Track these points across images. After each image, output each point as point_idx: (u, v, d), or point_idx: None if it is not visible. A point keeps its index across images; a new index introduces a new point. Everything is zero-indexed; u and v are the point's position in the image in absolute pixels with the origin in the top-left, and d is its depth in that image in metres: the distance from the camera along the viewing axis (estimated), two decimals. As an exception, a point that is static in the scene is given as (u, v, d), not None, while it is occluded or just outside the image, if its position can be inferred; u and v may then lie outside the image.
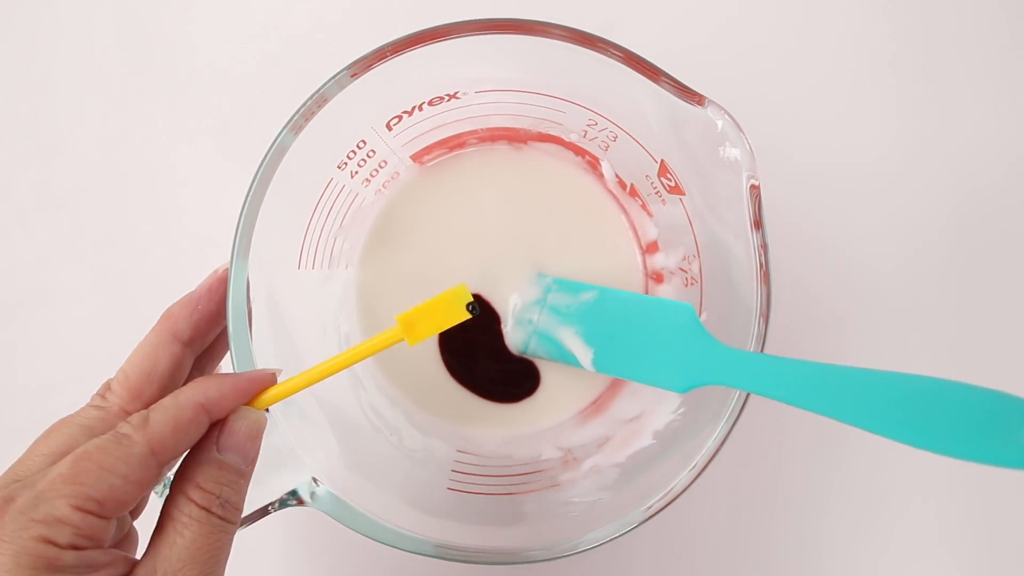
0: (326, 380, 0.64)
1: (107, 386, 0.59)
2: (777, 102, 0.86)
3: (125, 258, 0.86)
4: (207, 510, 0.54)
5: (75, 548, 0.49)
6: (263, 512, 0.60)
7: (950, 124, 0.86)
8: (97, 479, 0.50)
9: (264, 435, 0.59)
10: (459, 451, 0.75)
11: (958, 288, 0.85)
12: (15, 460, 0.54)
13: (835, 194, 0.85)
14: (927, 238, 0.85)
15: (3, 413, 0.85)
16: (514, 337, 0.77)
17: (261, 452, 0.58)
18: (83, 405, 0.59)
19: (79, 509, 0.49)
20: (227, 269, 0.63)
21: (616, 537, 0.62)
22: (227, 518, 0.55)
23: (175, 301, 0.63)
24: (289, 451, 0.61)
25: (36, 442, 0.55)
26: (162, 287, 0.84)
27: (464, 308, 0.62)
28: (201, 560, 0.53)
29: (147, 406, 0.55)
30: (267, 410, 0.59)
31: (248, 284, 0.62)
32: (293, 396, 0.62)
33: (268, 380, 0.59)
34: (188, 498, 0.54)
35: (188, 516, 0.53)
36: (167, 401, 0.55)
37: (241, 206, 0.62)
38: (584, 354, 0.72)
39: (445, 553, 0.62)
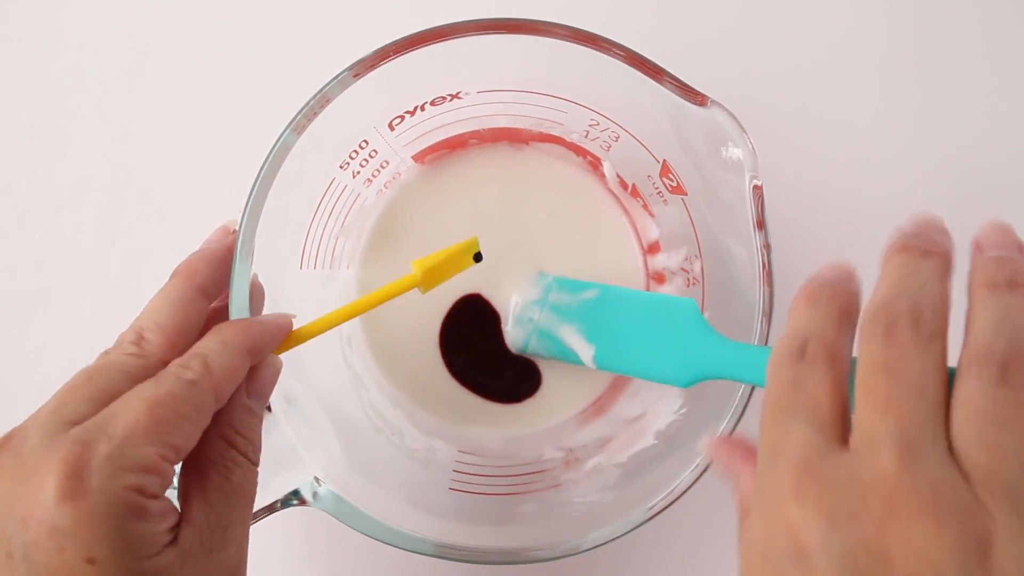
0: (327, 380, 0.64)
1: (138, 335, 0.57)
2: (780, 102, 0.86)
3: (125, 258, 0.86)
4: (245, 455, 0.55)
5: (156, 497, 0.49)
6: (269, 510, 0.60)
7: (955, 124, 0.86)
8: (175, 426, 0.50)
9: (266, 435, 0.59)
10: (461, 451, 0.75)
11: (960, 284, 0.85)
12: (51, 402, 0.53)
13: (838, 193, 0.85)
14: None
15: (3, 413, 0.84)
16: (514, 336, 0.77)
17: (264, 452, 0.59)
18: (106, 350, 0.58)
19: (163, 458, 0.49)
20: (236, 223, 0.64)
21: (618, 537, 0.62)
22: (256, 462, 0.57)
23: (193, 255, 0.64)
24: (291, 451, 0.61)
25: (74, 385, 0.54)
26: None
27: (471, 257, 0.65)
28: (246, 501, 0.56)
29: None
30: (269, 407, 0.59)
31: (254, 278, 0.62)
32: (295, 396, 0.62)
33: (289, 326, 0.61)
34: (229, 443, 0.55)
35: (232, 461, 0.55)
36: (215, 346, 0.55)
37: (243, 206, 0.62)
38: (585, 351, 0.72)
39: (447, 553, 0.62)
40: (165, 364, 0.55)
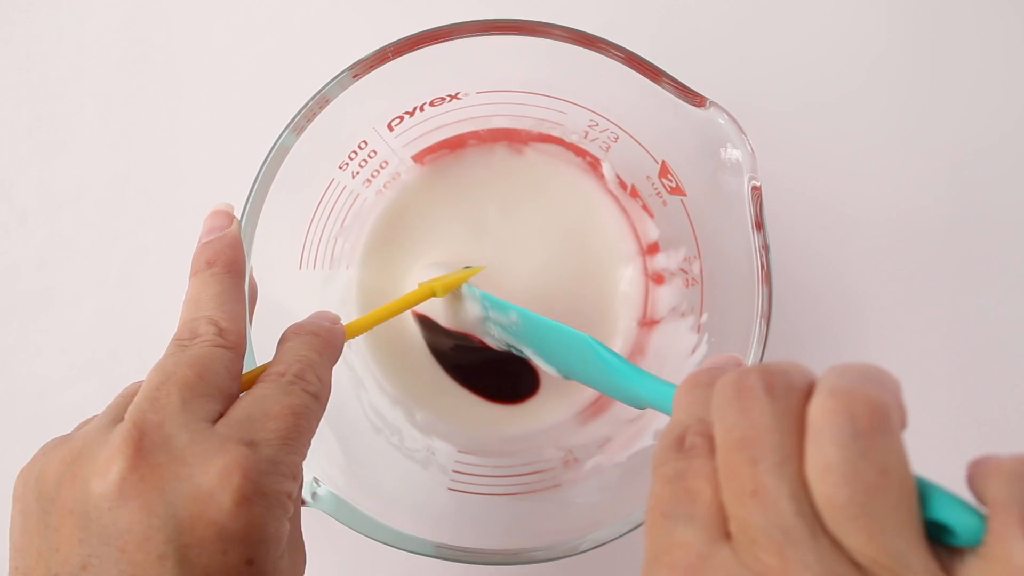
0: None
1: (217, 326, 0.56)
2: (779, 103, 0.86)
3: (125, 258, 0.86)
4: None
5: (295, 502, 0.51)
6: None
7: (953, 125, 0.86)
8: (307, 437, 0.52)
9: None
10: (460, 452, 0.75)
11: (958, 287, 0.85)
12: (168, 396, 0.50)
13: (837, 194, 0.85)
14: (928, 238, 0.85)
15: (3, 413, 0.84)
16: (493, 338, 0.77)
17: None
18: (179, 340, 0.56)
19: (301, 468, 0.51)
20: (230, 205, 0.63)
21: (618, 537, 0.62)
22: None
23: (214, 241, 0.61)
24: (291, 451, 0.61)
25: (186, 379, 0.51)
26: (162, 287, 0.84)
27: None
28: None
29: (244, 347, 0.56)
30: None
31: (250, 273, 0.62)
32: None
33: (344, 333, 0.61)
34: None
35: None
36: (316, 358, 0.56)
37: (243, 207, 0.62)
38: (548, 368, 0.71)
39: (446, 553, 0.62)
40: (242, 354, 0.55)
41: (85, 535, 0.46)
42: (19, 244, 0.86)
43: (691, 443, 0.44)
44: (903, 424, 0.39)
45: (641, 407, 0.60)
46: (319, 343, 0.57)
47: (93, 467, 0.47)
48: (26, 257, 0.86)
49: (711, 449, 0.43)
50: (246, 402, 0.51)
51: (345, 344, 0.74)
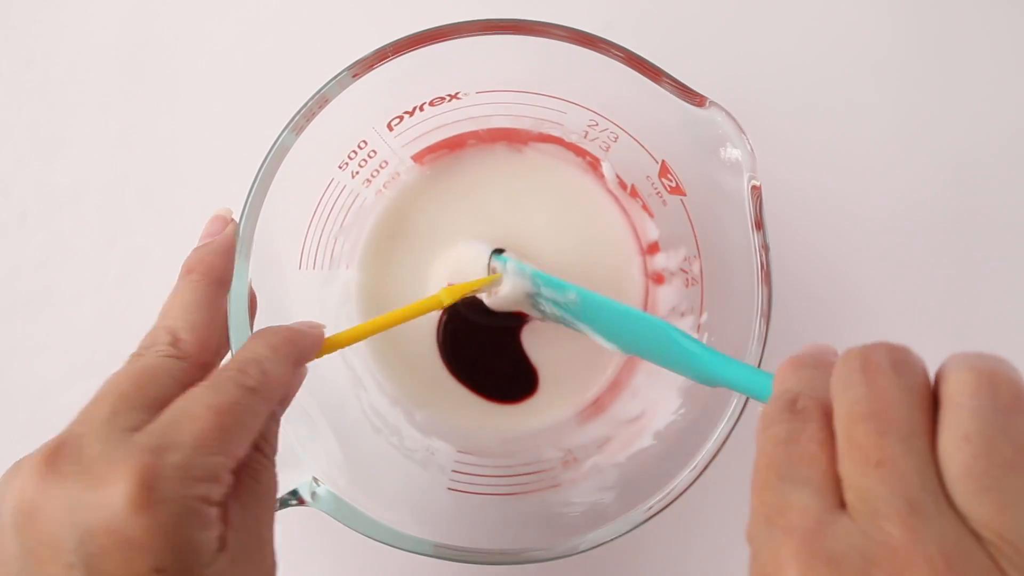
0: (326, 381, 0.64)
1: (173, 335, 0.57)
2: (778, 102, 0.86)
3: (125, 258, 0.86)
4: (269, 458, 0.55)
5: (218, 506, 0.49)
6: None
7: (954, 124, 0.86)
8: (238, 435, 0.51)
9: None
10: (460, 451, 0.75)
11: (960, 285, 0.85)
12: (98, 407, 0.52)
13: (837, 194, 0.85)
14: (929, 237, 0.85)
15: (3, 413, 0.84)
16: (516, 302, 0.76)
17: None
18: (138, 351, 0.58)
19: (226, 467, 0.50)
20: (230, 210, 0.64)
21: (616, 537, 0.62)
22: (275, 463, 0.56)
23: (202, 248, 0.63)
24: (290, 451, 0.61)
25: (123, 391, 0.53)
26: (162, 287, 0.84)
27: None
28: (272, 502, 0.56)
29: (217, 356, 0.57)
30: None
31: (249, 284, 0.62)
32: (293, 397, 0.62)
33: (323, 336, 0.61)
34: (257, 447, 0.54)
35: (260, 464, 0.54)
36: (267, 353, 0.55)
37: (242, 206, 0.62)
38: (606, 344, 0.71)
39: (445, 553, 0.62)
40: (203, 365, 0.56)
41: (9, 550, 0.47)
42: (19, 244, 0.86)
43: (803, 406, 0.44)
44: None
45: (713, 386, 0.60)
46: (276, 339, 0.57)
47: (13, 483, 0.48)
48: (26, 257, 0.86)
49: (824, 416, 0.43)
50: (173, 406, 0.51)
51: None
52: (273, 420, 0.56)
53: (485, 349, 0.79)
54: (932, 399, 0.41)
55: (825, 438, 0.42)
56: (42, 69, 0.88)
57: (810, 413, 0.44)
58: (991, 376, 0.40)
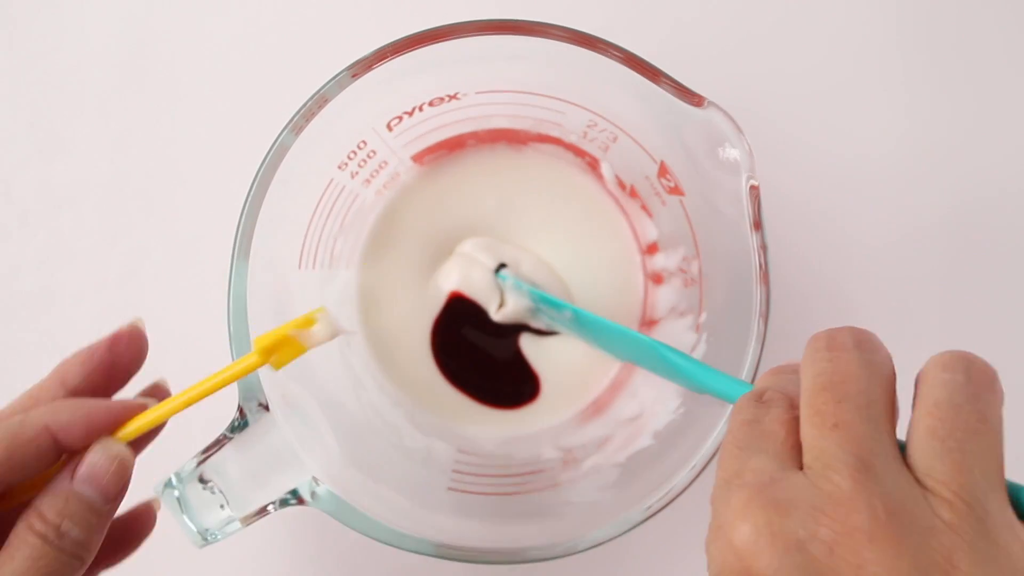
0: (326, 380, 0.64)
1: None
2: (777, 102, 0.86)
3: (125, 258, 0.86)
4: (43, 538, 0.51)
5: None
6: (263, 511, 0.60)
7: (954, 124, 0.86)
8: None
9: (265, 435, 0.59)
10: (460, 451, 0.75)
11: (960, 285, 0.85)
12: None
13: (835, 194, 0.85)
14: (929, 237, 0.85)
15: (3, 413, 0.85)
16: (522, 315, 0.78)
17: (263, 451, 0.59)
18: None
19: None
20: (134, 324, 0.61)
21: (616, 537, 0.63)
22: (67, 551, 0.51)
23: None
24: (289, 450, 0.61)
25: None
26: (163, 287, 0.84)
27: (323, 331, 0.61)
28: None
29: None
30: (267, 407, 0.59)
31: (247, 285, 0.62)
32: (293, 396, 0.62)
33: (133, 410, 0.56)
34: (26, 523, 0.51)
35: (20, 540, 0.51)
36: (13, 419, 0.52)
37: (242, 206, 0.62)
38: (603, 352, 0.74)
39: (445, 553, 0.62)
40: None
41: None
42: (19, 244, 0.86)
43: (769, 397, 0.47)
44: (1003, 402, 0.42)
45: (703, 393, 0.61)
46: (44, 409, 0.54)
47: None
48: (26, 257, 0.86)
49: (789, 405, 0.46)
50: None
51: (345, 344, 0.74)
52: (76, 503, 0.53)
53: (483, 356, 0.79)
54: (893, 381, 0.44)
55: (788, 420, 0.45)
56: (42, 69, 0.88)
57: (776, 402, 0.47)
58: (966, 357, 0.43)
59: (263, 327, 0.62)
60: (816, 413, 0.42)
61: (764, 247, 0.63)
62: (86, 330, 0.82)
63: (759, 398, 0.47)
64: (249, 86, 0.88)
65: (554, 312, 0.74)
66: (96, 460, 0.53)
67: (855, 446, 0.40)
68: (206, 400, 0.59)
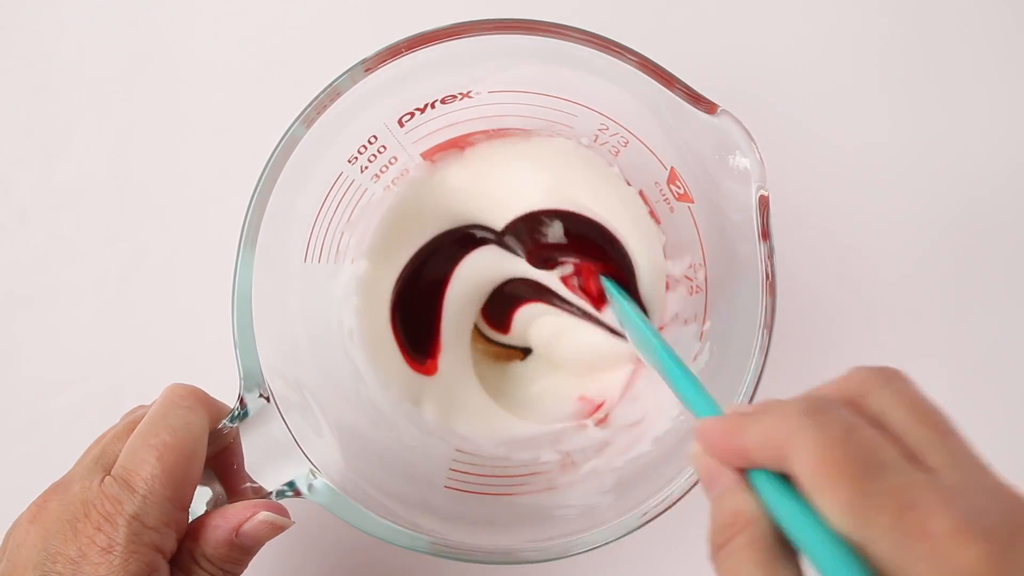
0: (327, 373, 0.64)
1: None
2: (790, 112, 0.86)
3: (125, 258, 0.86)
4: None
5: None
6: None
7: (962, 137, 0.87)
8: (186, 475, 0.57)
9: (263, 425, 0.60)
10: (458, 450, 0.75)
11: (965, 297, 0.85)
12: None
13: (845, 204, 0.85)
14: (934, 250, 0.85)
15: (4, 413, 0.84)
16: None
17: (262, 441, 0.61)
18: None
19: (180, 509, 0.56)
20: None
21: (611, 542, 0.62)
22: None
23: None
24: (288, 442, 0.61)
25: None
26: (163, 287, 0.84)
27: None
28: None
29: None
30: (267, 398, 0.59)
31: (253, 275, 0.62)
32: (293, 388, 0.62)
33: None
34: (194, 560, 0.59)
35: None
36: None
37: (250, 197, 0.62)
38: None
39: (441, 551, 0.62)
40: None
41: None
42: (19, 244, 0.86)
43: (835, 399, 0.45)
44: None
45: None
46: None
47: None
48: (26, 257, 0.86)
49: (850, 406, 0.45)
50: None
51: (348, 337, 0.74)
52: (229, 548, 0.60)
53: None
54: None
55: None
56: (43, 68, 0.89)
57: (838, 406, 0.45)
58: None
59: (266, 318, 0.62)
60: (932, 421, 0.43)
61: (772, 257, 0.62)
62: (86, 330, 0.82)
63: (825, 405, 0.43)
64: (261, 78, 0.88)
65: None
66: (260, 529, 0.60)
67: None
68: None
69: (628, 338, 0.74)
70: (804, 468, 0.41)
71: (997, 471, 0.41)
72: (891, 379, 0.44)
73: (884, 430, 0.42)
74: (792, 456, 0.41)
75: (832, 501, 0.39)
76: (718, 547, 0.45)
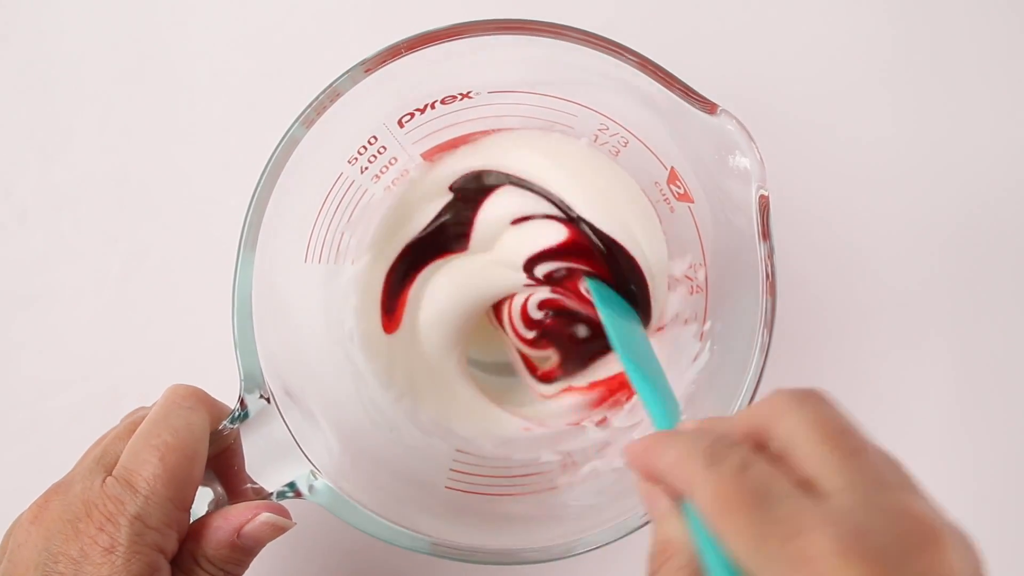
0: (327, 374, 0.64)
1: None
2: (790, 112, 0.86)
3: (125, 258, 0.86)
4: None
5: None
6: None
7: (965, 135, 0.87)
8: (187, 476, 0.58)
9: (264, 425, 0.60)
10: (458, 451, 0.75)
11: (967, 299, 0.85)
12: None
13: (844, 203, 0.85)
14: (936, 250, 0.85)
15: (4, 413, 0.84)
16: None
17: (263, 442, 0.61)
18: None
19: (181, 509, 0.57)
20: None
21: (612, 542, 0.62)
22: None
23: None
24: (288, 443, 0.61)
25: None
26: (163, 287, 0.84)
27: None
28: None
29: None
30: (268, 399, 0.59)
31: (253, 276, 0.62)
32: (294, 389, 0.62)
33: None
34: (195, 561, 0.59)
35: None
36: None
37: (250, 197, 0.62)
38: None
39: (441, 551, 0.62)
40: None
41: None
42: (19, 244, 0.86)
43: (729, 439, 0.47)
44: None
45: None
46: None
47: None
48: (26, 257, 0.86)
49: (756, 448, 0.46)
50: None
51: (348, 338, 0.74)
52: (231, 549, 0.60)
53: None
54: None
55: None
56: (43, 68, 0.89)
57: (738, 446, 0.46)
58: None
59: (266, 318, 0.62)
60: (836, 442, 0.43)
61: (772, 257, 0.62)
62: (87, 330, 0.82)
63: (724, 444, 0.46)
64: (259, 81, 0.88)
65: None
66: (262, 530, 0.61)
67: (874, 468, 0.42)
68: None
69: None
70: (703, 504, 0.43)
71: (910, 489, 0.42)
72: (803, 403, 0.45)
73: (784, 460, 0.44)
74: (693, 492, 0.44)
75: (728, 534, 0.41)
76: (652, 574, 0.48)
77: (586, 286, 0.76)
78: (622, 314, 0.74)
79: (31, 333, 0.86)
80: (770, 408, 0.46)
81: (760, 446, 0.45)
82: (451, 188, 0.77)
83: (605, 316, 0.73)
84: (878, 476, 0.41)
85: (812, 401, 0.45)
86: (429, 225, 0.78)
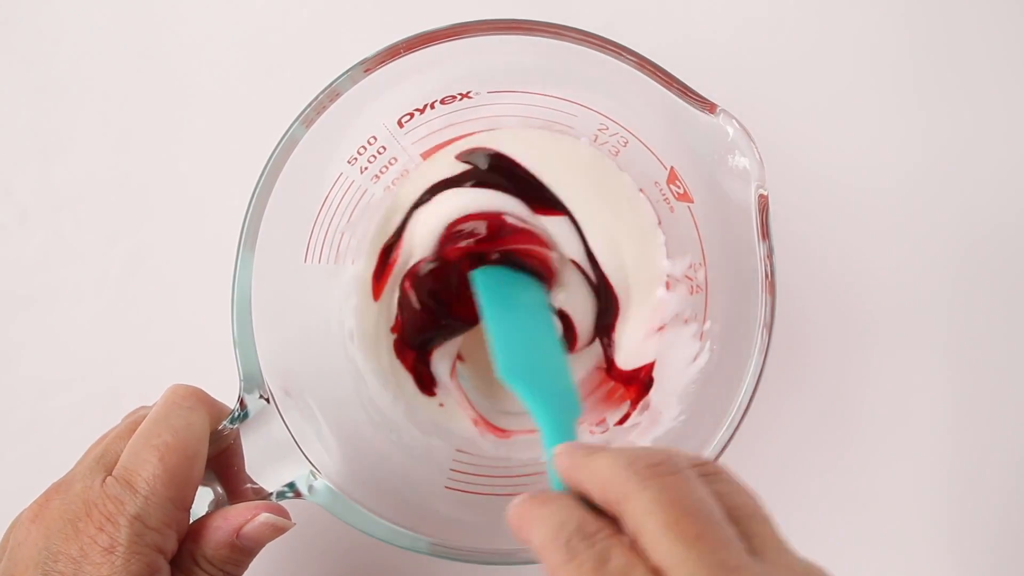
0: (327, 374, 0.64)
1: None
2: (789, 111, 0.86)
3: (125, 258, 0.86)
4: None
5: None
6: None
7: (965, 136, 0.87)
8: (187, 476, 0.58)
9: (263, 425, 0.60)
10: (458, 451, 0.75)
11: (968, 298, 0.85)
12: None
13: (844, 204, 0.85)
14: (936, 251, 0.85)
15: (4, 413, 0.84)
16: None
17: (262, 443, 0.61)
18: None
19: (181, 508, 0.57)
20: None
21: (613, 542, 0.62)
22: None
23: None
24: (288, 443, 0.61)
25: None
26: (163, 287, 0.84)
27: None
28: None
29: None
30: (268, 399, 0.59)
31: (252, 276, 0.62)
32: (294, 388, 0.62)
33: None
34: (194, 562, 0.59)
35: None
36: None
37: (250, 197, 0.62)
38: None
39: (441, 552, 0.62)
40: None
41: None
42: (19, 244, 0.86)
43: (590, 531, 0.47)
44: None
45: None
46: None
47: None
48: (26, 257, 0.86)
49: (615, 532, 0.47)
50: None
51: (348, 338, 0.74)
52: (230, 550, 0.60)
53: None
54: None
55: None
56: (43, 68, 0.88)
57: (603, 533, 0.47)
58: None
59: (266, 318, 0.62)
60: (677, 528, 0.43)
61: (771, 257, 0.62)
62: (87, 330, 0.82)
63: (582, 537, 0.46)
64: (259, 81, 0.88)
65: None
66: (262, 531, 0.61)
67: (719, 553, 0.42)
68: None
69: None
70: None
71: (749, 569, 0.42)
72: (646, 482, 0.45)
73: (637, 542, 0.44)
74: None
75: None
76: None
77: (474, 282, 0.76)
78: (523, 314, 0.74)
79: (31, 333, 0.86)
80: (623, 484, 0.45)
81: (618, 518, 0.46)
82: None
83: (486, 316, 0.73)
84: (721, 562, 0.41)
85: (657, 478, 0.45)
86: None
